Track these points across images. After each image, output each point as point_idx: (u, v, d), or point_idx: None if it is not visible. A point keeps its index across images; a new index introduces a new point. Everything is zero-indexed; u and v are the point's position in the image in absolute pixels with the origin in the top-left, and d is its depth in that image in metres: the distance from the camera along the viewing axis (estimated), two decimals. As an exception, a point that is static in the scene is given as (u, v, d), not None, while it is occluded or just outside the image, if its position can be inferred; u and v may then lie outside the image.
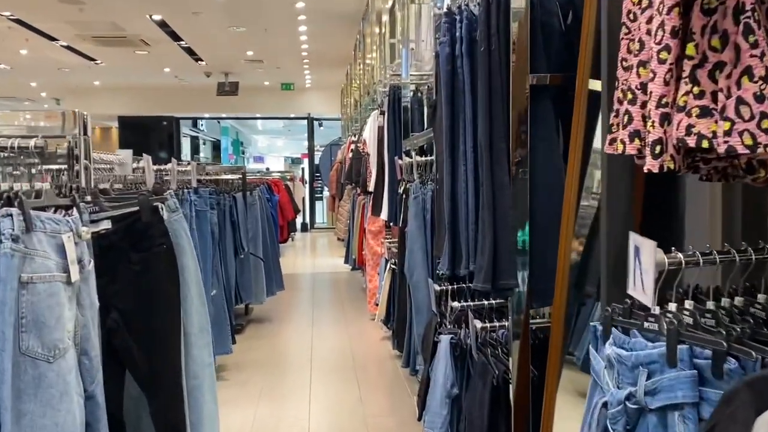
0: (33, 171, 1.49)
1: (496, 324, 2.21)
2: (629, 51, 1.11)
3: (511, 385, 2.03)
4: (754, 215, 1.40)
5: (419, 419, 2.69)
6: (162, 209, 1.61)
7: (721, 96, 0.85)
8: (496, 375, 2.05)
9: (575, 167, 1.85)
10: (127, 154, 2.19)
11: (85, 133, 1.49)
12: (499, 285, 1.92)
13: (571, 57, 2.07)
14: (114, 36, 9.26)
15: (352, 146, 8.01)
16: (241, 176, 5.44)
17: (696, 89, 0.88)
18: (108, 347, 1.47)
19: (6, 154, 1.44)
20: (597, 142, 1.83)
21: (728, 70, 0.85)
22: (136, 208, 1.50)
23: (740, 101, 0.82)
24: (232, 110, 15.21)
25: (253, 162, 22.25)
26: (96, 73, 12.69)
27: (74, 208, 1.32)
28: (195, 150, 17.85)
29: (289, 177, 11.91)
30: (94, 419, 1.25)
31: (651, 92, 0.94)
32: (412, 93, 4.55)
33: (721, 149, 0.84)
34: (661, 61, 0.92)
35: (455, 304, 2.52)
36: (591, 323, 1.22)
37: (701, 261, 1.03)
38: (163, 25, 8.88)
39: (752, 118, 0.81)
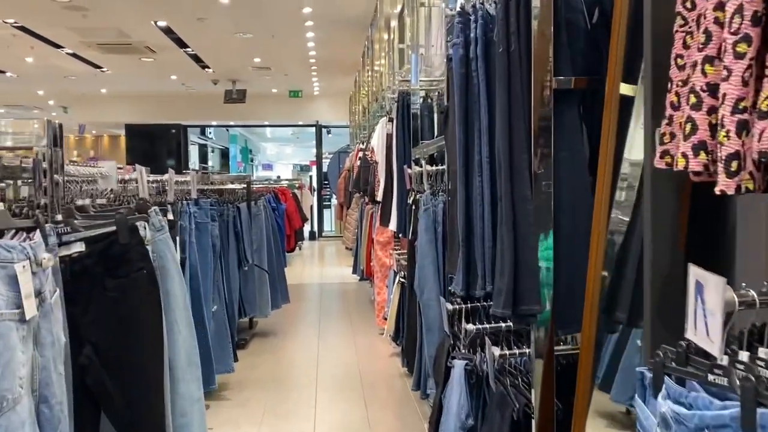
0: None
1: (516, 351, 2.02)
2: (686, 46, 0.92)
3: (533, 420, 1.84)
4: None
5: (431, 449, 2.50)
6: (145, 228, 1.44)
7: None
8: (516, 408, 1.86)
9: (605, 180, 1.66)
10: (111, 165, 2.02)
11: (56, 145, 1.32)
12: (520, 311, 1.73)
13: (597, 58, 1.89)
14: (119, 43, 9.15)
15: (360, 154, 7.85)
16: (245, 185, 5.28)
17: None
18: (80, 387, 1.30)
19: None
20: (628, 153, 1.65)
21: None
22: (113, 228, 1.33)
23: None
24: (239, 118, 15.11)
25: (262, 170, 22.18)
26: (102, 81, 12.61)
27: (37, 231, 1.14)
28: (203, 158, 17.76)
29: (297, 185, 11.76)
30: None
31: (724, 94, 0.76)
32: (421, 99, 4.37)
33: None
34: (739, 56, 0.74)
35: (470, 326, 2.34)
36: (638, 369, 1.03)
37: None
38: (168, 31, 8.77)
39: None
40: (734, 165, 0.75)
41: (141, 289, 1.34)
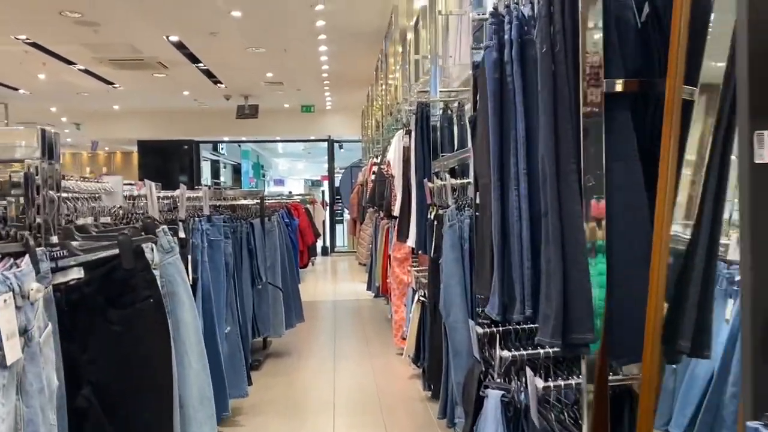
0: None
1: (561, 383, 1.83)
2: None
3: (583, 460, 1.65)
4: None
5: (462, 487, 2.31)
6: (152, 250, 1.27)
7: None
8: (564, 448, 1.67)
9: (667, 192, 1.49)
10: (116, 180, 1.86)
11: (51, 157, 1.16)
12: (571, 340, 1.55)
13: (648, 59, 1.72)
14: (131, 59, 9.10)
15: (374, 168, 7.70)
16: (259, 201, 5.13)
17: None
18: (77, 433, 1.13)
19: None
20: (693, 159, 1.48)
21: None
22: (116, 252, 1.17)
23: None
24: (252, 133, 15.04)
25: (274, 185, 22.12)
26: (115, 97, 12.59)
27: (26, 256, 0.98)
28: (216, 174, 17.72)
29: (309, 200, 11.62)
30: None
31: None
32: (441, 111, 4.22)
33: None
34: None
35: (505, 353, 2.15)
36: (749, 424, 0.84)
37: None
38: (180, 46, 8.70)
39: None
40: None
41: (148, 321, 1.18)
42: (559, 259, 1.58)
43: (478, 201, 2.65)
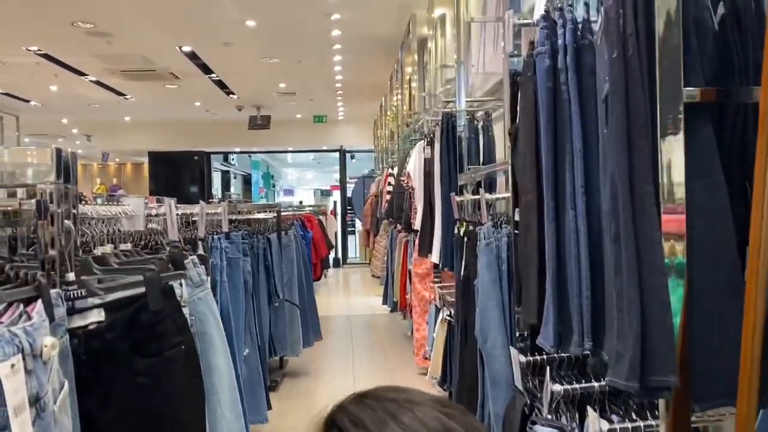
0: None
1: (629, 425, 1.65)
2: None
3: None
4: None
5: None
6: (181, 285, 1.10)
7: None
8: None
9: (763, 215, 1.30)
10: (138, 203, 1.69)
11: (68, 180, 0.99)
12: (650, 382, 1.36)
13: (725, 64, 1.55)
14: (143, 70, 9.00)
15: (390, 179, 7.54)
16: (275, 215, 4.97)
17: None
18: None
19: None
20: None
21: None
22: (142, 290, 1.00)
23: None
24: (263, 144, 14.93)
25: (283, 195, 22.03)
26: (126, 109, 12.51)
27: (38, 302, 0.81)
28: (226, 185, 17.63)
29: (321, 211, 11.47)
30: None
31: None
32: (467, 121, 4.05)
33: None
34: None
35: (556, 387, 1.96)
36: None
37: None
38: (193, 57, 8.59)
39: None
40: None
41: (179, 371, 1.01)
42: (636, 291, 1.39)
43: (517, 218, 2.48)
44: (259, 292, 4.21)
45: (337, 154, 15.35)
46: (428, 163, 4.63)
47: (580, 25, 1.79)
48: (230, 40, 7.74)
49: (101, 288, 1.02)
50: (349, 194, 14.84)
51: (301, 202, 15.73)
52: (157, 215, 2.22)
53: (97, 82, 9.96)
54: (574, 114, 1.76)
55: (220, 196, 15.23)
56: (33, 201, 0.95)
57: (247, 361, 3.49)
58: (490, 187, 3.55)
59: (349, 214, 15.32)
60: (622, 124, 1.44)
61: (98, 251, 1.26)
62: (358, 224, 14.09)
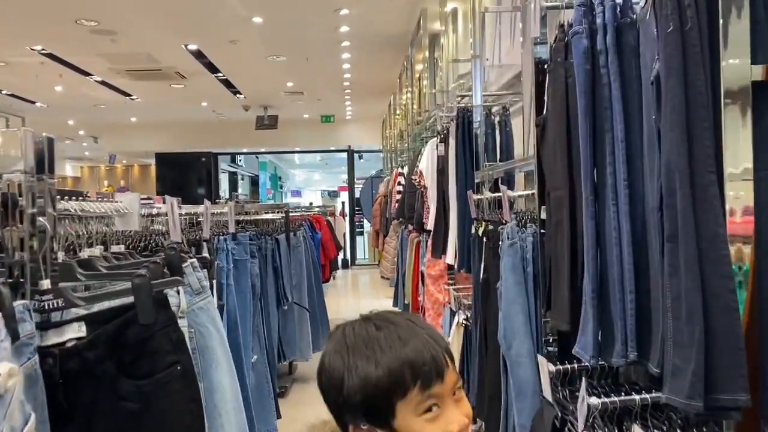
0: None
1: (682, 445, 1.47)
2: None
3: None
4: None
5: None
6: (178, 292, 0.94)
7: None
8: None
9: None
10: (132, 199, 1.52)
11: (43, 171, 0.83)
12: (717, 401, 1.19)
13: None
14: (149, 69, 8.87)
15: (399, 178, 7.37)
16: (284, 215, 4.81)
17: None
18: None
19: None
20: None
21: None
22: (130, 300, 0.84)
23: None
24: (271, 144, 14.81)
25: (291, 196, 21.92)
26: (132, 109, 12.40)
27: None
28: (233, 186, 17.52)
29: (329, 212, 11.31)
30: None
31: None
32: (483, 116, 3.88)
33: None
34: None
35: (593, 401, 1.79)
36: None
37: None
38: (199, 55, 8.45)
39: None
40: None
41: (173, 396, 0.84)
42: (697, 295, 1.22)
43: (543, 216, 2.31)
44: (268, 294, 4.06)
45: (344, 156, 15.20)
46: (442, 161, 4.45)
47: (620, 2, 1.63)
48: (236, 38, 7.60)
49: (83, 298, 0.86)
50: (357, 195, 14.69)
51: (311, 204, 15.60)
52: (158, 214, 2.06)
53: (103, 82, 9.85)
54: (615, 99, 1.60)
55: (227, 197, 15.10)
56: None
57: (256, 368, 3.33)
58: (508, 184, 3.38)
59: (357, 215, 15.17)
60: (680, 107, 1.26)
61: (84, 254, 1.11)
62: (367, 225, 13.94)
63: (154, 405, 0.83)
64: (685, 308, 1.24)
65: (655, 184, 1.42)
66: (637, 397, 1.77)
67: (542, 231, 2.30)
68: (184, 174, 14.75)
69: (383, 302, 8.58)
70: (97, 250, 1.16)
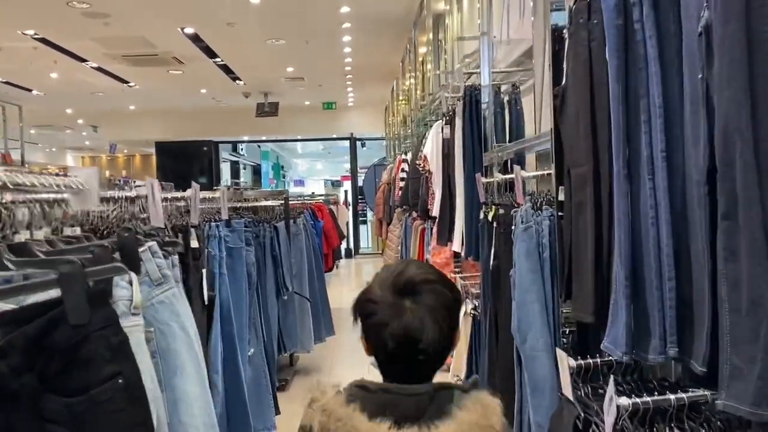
0: None
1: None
2: None
3: None
4: None
5: None
6: (130, 284, 0.74)
7: None
8: None
9: None
10: (90, 174, 1.32)
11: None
12: (788, 410, 0.99)
13: None
14: (145, 54, 8.65)
15: (403, 165, 7.17)
16: (283, 201, 4.62)
17: None
18: None
19: None
20: None
21: None
22: (56, 295, 0.64)
23: None
24: (272, 132, 14.60)
25: (294, 186, 21.75)
26: (131, 97, 12.19)
27: None
28: (235, 175, 17.34)
29: (332, 200, 11.12)
30: None
31: None
32: (492, 95, 3.66)
33: None
34: None
35: (623, 401, 1.60)
36: None
37: None
38: (196, 39, 8.23)
39: None
40: None
41: (114, 416, 0.65)
42: (763, 284, 1.02)
43: (561, 197, 2.10)
44: (266, 284, 3.88)
45: (347, 145, 14.98)
46: (447, 144, 4.25)
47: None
48: (234, 20, 7.37)
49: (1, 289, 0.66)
50: (360, 183, 14.50)
51: (313, 193, 15.43)
52: (137, 197, 1.87)
53: (99, 69, 9.63)
54: (652, 58, 1.39)
55: (227, 185, 14.92)
56: None
57: (252, 362, 3.15)
58: (518, 164, 3.19)
59: (360, 204, 14.97)
60: (741, 59, 1.06)
61: (20, 236, 0.91)
62: (370, 214, 13.76)
63: (90, 429, 0.64)
64: (747, 298, 1.04)
65: (701, 154, 1.22)
66: (672, 396, 1.58)
67: (560, 213, 2.10)
68: (185, 163, 14.56)
69: (387, 291, 8.40)
70: (41, 234, 0.97)
